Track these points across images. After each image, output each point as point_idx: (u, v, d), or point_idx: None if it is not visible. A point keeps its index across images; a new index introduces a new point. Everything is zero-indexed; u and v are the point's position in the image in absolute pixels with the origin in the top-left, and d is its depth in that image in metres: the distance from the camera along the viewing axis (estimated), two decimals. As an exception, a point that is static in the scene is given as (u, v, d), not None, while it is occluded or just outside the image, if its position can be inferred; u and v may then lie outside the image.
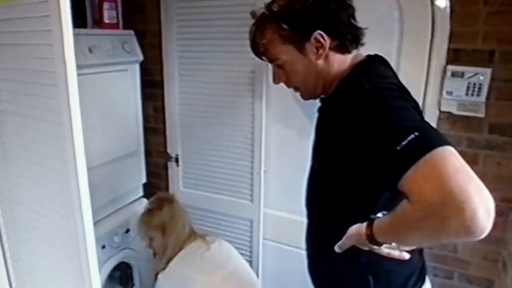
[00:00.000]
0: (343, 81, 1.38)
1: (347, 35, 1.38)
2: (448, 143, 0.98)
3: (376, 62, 1.42)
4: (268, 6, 1.44)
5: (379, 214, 1.20)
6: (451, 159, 0.95)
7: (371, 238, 1.19)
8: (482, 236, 0.91)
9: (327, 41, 1.35)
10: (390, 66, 1.46)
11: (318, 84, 1.47)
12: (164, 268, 2.26)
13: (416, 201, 0.98)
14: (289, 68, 1.46)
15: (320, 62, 1.40)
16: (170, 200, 2.44)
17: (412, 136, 0.99)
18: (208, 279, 2.18)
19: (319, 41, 1.36)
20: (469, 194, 0.89)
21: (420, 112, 1.20)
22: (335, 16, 1.35)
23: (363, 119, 1.15)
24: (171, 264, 2.25)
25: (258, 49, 1.51)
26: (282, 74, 1.51)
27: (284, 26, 1.37)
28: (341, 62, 1.41)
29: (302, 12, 1.35)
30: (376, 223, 1.19)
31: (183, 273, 2.21)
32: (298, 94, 1.59)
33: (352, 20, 1.40)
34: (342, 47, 1.40)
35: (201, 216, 2.99)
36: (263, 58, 1.53)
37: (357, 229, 1.25)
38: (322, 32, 1.34)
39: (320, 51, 1.37)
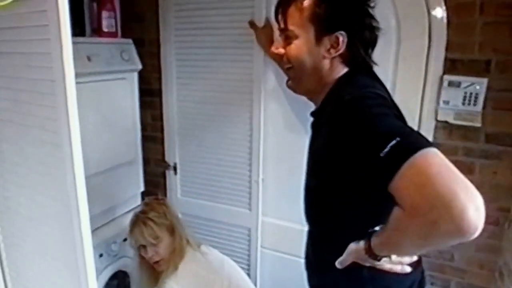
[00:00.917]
0: (328, 95, 1.39)
1: (361, 53, 1.39)
2: (431, 145, 0.99)
3: (359, 73, 1.42)
4: None
5: (377, 228, 1.20)
6: (434, 159, 0.96)
7: (370, 253, 1.19)
8: (476, 234, 0.91)
9: (343, 46, 1.35)
10: (376, 76, 1.46)
11: (311, 78, 1.45)
12: (170, 273, 2.20)
13: (405, 207, 0.98)
14: (296, 44, 1.41)
15: (325, 61, 1.40)
16: (165, 203, 2.44)
17: (394, 141, 0.99)
18: (220, 277, 2.20)
19: (337, 41, 1.35)
20: (456, 192, 0.89)
21: (403, 119, 1.20)
22: (363, 29, 1.37)
23: (345, 131, 1.16)
24: (180, 268, 2.21)
25: (284, 10, 1.43)
26: (285, 44, 1.46)
27: (323, 5, 1.34)
28: (339, 73, 1.42)
29: (344, 8, 1.34)
30: (374, 236, 1.19)
31: (198, 274, 2.20)
32: (295, 97, 1.58)
33: (371, 44, 1.42)
34: (349, 61, 1.40)
35: (199, 224, 2.99)
36: (280, 21, 1.46)
37: (356, 245, 1.24)
38: (345, 35, 1.34)
39: (331, 50, 1.37)
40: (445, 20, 2.05)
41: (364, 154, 1.07)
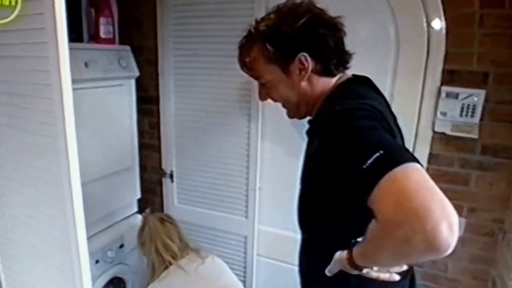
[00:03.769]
0: (323, 103, 1.40)
1: (333, 60, 1.39)
2: (413, 160, 0.99)
3: (357, 83, 1.43)
4: (256, 25, 1.44)
5: (359, 239, 1.20)
6: (413, 175, 0.95)
7: (352, 263, 1.20)
8: (448, 252, 0.90)
9: (310, 64, 1.37)
10: (374, 86, 1.47)
11: (301, 104, 1.48)
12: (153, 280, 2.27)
13: (381, 220, 0.98)
14: (272, 87, 1.47)
15: (303, 83, 1.41)
16: (148, 218, 2.48)
17: (377, 154, 0.98)
18: None
19: (302, 63, 1.37)
20: (430, 209, 0.88)
21: (392, 131, 1.20)
22: (321, 40, 1.36)
23: (333, 142, 1.16)
24: (162, 275, 2.25)
25: (244, 65, 1.51)
26: (266, 92, 1.52)
27: (269, 47, 1.38)
28: (325, 84, 1.43)
29: (289, 34, 1.35)
30: (355, 247, 1.20)
31: (173, 285, 2.21)
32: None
33: (340, 45, 1.41)
34: (326, 71, 1.41)
35: (196, 232, 2.98)
36: (248, 74, 1.53)
37: (341, 254, 1.25)
38: (306, 55, 1.35)
39: (303, 73, 1.38)
40: (444, 31, 2.06)
41: (348, 165, 1.07)
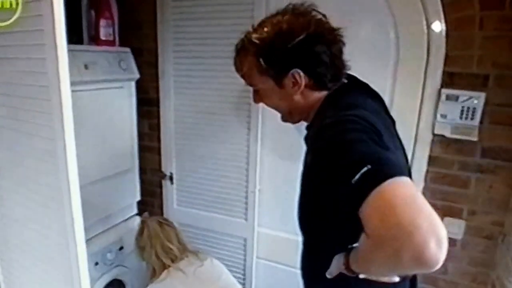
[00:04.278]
0: (316, 113, 1.40)
1: (327, 75, 1.37)
2: (401, 173, 0.98)
3: (350, 90, 1.41)
4: (249, 35, 1.40)
5: (356, 244, 1.20)
6: (400, 190, 0.95)
7: (349, 269, 1.20)
8: (437, 266, 0.90)
9: (303, 80, 1.35)
10: (369, 89, 1.47)
11: (294, 114, 1.48)
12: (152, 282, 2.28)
13: (370, 235, 0.98)
14: (265, 95, 1.47)
15: (296, 96, 1.40)
16: (147, 222, 2.46)
17: (365, 169, 0.98)
18: None
19: (295, 78, 1.35)
20: (417, 225, 0.88)
21: (382, 140, 1.19)
22: (316, 58, 1.33)
23: (322, 157, 1.16)
24: (162, 276, 2.25)
25: (239, 70, 1.49)
26: (259, 98, 1.51)
27: (262, 62, 1.35)
28: (319, 95, 1.41)
29: (283, 51, 1.32)
30: (351, 253, 1.20)
31: (173, 286, 2.21)
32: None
33: (336, 60, 1.37)
34: (320, 85, 1.39)
35: (195, 234, 2.99)
36: (243, 79, 1.52)
37: (338, 258, 1.25)
38: (299, 71, 1.33)
39: (296, 87, 1.37)
40: (444, 34, 2.06)
41: (338, 181, 1.07)
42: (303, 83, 1.35)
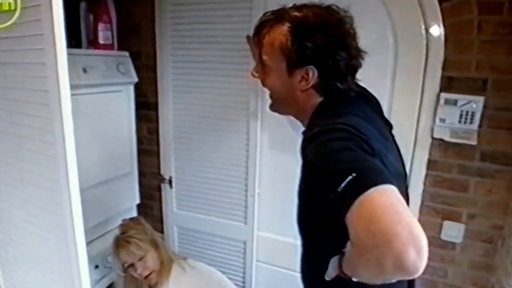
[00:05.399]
0: (310, 120, 1.39)
1: (336, 83, 1.36)
2: (386, 181, 0.99)
3: (339, 99, 1.40)
4: (290, 10, 1.36)
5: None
6: (382, 199, 0.96)
7: (342, 272, 1.21)
8: (418, 274, 0.91)
9: (313, 80, 1.34)
10: (364, 95, 1.48)
11: (289, 106, 1.47)
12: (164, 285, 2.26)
13: (353, 243, 1.00)
14: (270, 75, 1.43)
15: (299, 92, 1.39)
16: (141, 222, 2.45)
17: (350, 177, 0.99)
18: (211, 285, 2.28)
19: (307, 75, 1.34)
20: (396, 233, 0.89)
21: (371, 149, 1.19)
22: (336, 63, 1.33)
23: (310, 164, 1.18)
24: (172, 279, 2.25)
25: (257, 36, 1.43)
26: (262, 74, 1.47)
27: (293, 40, 1.32)
28: (316, 101, 1.41)
29: (316, 42, 1.30)
30: (344, 256, 1.20)
31: (190, 285, 2.24)
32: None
33: (348, 76, 1.38)
34: (324, 90, 1.39)
35: (194, 237, 2.99)
36: (255, 47, 1.46)
37: (334, 261, 1.26)
38: (315, 70, 1.33)
39: (303, 83, 1.36)
40: (442, 38, 2.06)
41: (326, 189, 1.08)
42: (312, 82, 1.35)
